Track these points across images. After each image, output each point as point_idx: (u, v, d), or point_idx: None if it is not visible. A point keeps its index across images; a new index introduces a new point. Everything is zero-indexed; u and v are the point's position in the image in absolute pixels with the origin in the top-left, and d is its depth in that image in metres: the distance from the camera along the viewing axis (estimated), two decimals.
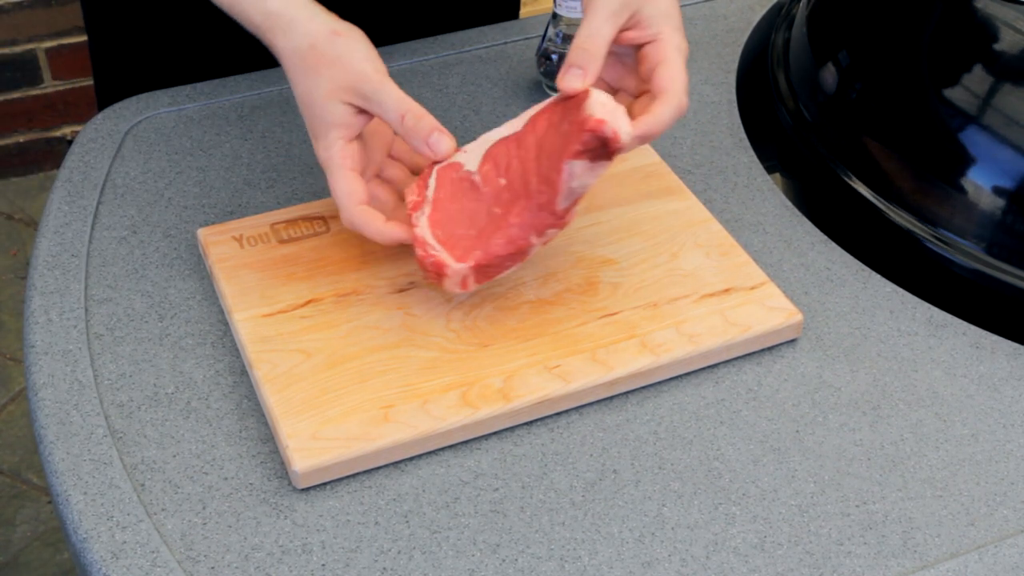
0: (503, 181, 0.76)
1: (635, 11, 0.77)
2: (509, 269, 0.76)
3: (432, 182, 0.78)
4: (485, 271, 0.75)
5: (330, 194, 0.77)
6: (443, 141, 0.77)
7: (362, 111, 0.76)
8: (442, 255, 0.75)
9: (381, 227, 0.77)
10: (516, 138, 0.77)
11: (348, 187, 0.76)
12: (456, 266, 0.75)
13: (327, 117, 0.76)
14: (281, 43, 0.77)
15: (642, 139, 0.75)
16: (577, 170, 0.72)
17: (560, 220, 0.74)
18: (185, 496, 0.71)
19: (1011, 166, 0.86)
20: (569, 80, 0.75)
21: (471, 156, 0.78)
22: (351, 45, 0.76)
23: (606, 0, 0.77)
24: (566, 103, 0.75)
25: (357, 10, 1.07)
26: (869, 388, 0.79)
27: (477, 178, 0.77)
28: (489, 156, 0.77)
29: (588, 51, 0.75)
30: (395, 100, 0.75)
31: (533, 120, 0.77)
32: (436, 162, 0.78)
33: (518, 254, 0.75)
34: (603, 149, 0.72)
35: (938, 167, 0.90)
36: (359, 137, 0.77)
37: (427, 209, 0.77)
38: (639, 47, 0.79)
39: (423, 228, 0.76)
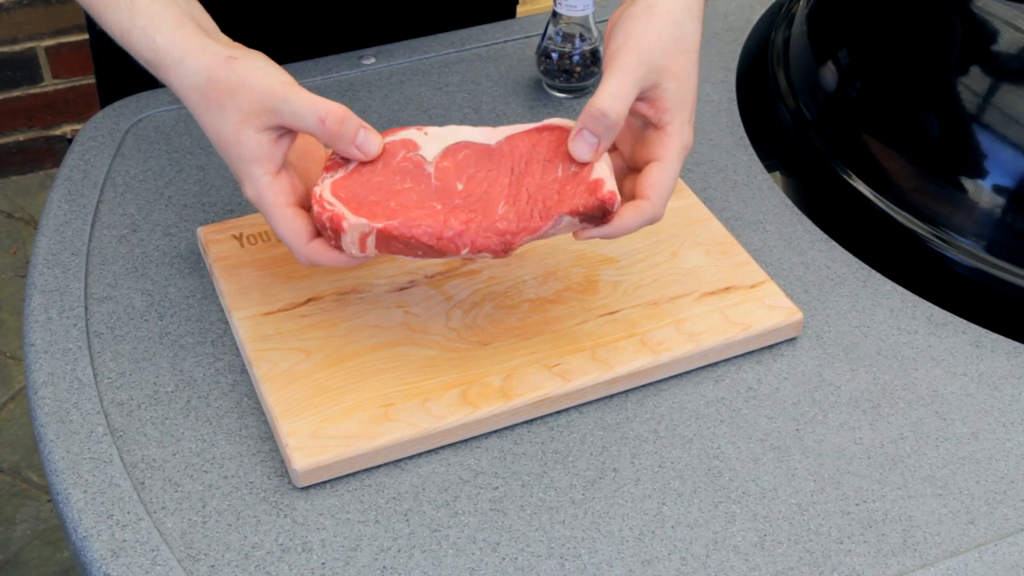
0: (460, 186, 0.72)
1: (656, 83, 0.71)
2: (410, 257, 0.72)
3: None
4: (391, 243, 0.70)
5: None
6: (372, 139, 0.71)
7: (281, 135, 0.71)
8: (339, 208, 0.70)
9: (343, 257, 0.72)
10: (488, 151, 0.74)
11: (291, 225, 0.71)
12: (354, 219, 0.69)
13: (244, 152, 0.70)
14: (176, 81, 0.71)
15: (602, 236, 0.72)
16: (563, 224, 0.71)
17: (505, 254, 0.71)
18: (185, 494, 0.71)
19: (1011, 165, 0.86)
20: (580, 149, 0.71)
21: (431, 143, 0.74)
22: (249, 64, 0.70)
23: (633, 62, 0.70)
24: (553, 136, 0.73)
25: (358, 10, 1.08)
26: (869, 386, 0.78)
27: (430, 169, 0.73)
28: (450, 154, 0.73)
29: (607, 119, 0.70)
30: (308, 105, 0.69)
31: (511, 140, 0.74)
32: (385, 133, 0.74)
33: (433, 251, 0.71)
34: (599, 217, 0.70)
35: (938, 165, 0.90)
36: (286, 167, 0.72)
37: (340, 173, 0.72)
38: (645, 123, 0.74)
39: (324, 187, 0.71)
